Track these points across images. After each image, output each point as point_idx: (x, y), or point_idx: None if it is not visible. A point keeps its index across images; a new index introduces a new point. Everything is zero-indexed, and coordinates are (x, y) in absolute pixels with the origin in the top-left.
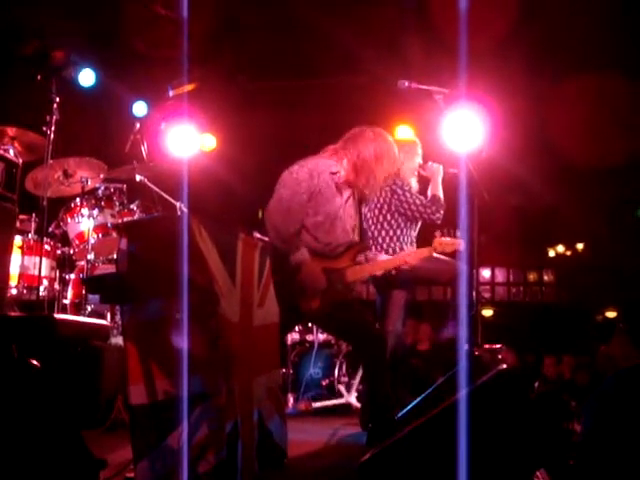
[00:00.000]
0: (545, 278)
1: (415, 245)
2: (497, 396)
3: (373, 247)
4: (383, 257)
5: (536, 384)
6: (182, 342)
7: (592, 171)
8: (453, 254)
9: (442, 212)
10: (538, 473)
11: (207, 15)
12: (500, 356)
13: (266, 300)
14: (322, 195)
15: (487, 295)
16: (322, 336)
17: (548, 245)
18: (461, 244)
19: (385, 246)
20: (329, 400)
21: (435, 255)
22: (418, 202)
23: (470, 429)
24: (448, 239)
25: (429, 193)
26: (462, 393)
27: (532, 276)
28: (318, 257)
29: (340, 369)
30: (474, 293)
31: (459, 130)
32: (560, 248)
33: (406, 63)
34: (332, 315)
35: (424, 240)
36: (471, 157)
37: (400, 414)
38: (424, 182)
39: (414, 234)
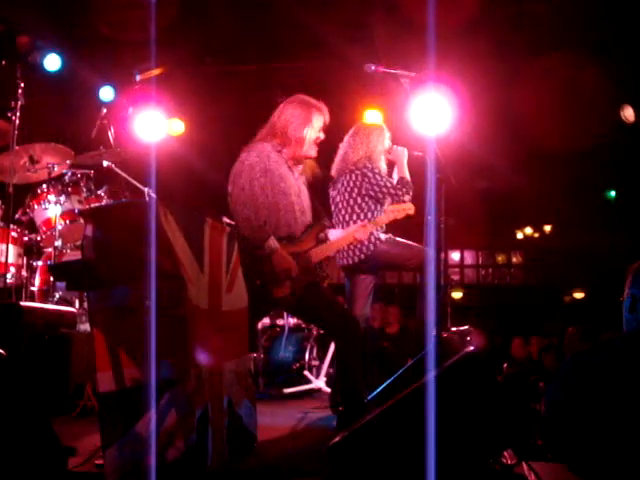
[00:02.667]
0: (513, 260)
1: (384, 229)
2: (464, 378)
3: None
4: (337, 232)
5: (504, 365)
6: (150, 328)
7: (559, 153)
8: (420, 230)
9: (411, 194)
10: (505, 453)
11: None
12: (468, 338)
13: (235, 285)
14: (275, 174)
15: (456, 278)
16: (292, 320)
17: (516, 227)
18: (412, 208)
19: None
20: (299, 384)
21: (403, 241)
22: (389, 184)
23: (438, 411)
24: (397, 206)
25: (395, 176)
26: (430, 375)
27: (500, 258)
28: (283, 243)
29: (311, 353)
30: (442, 276)
31: (426, 113)
32: (528, 230)
33: (373, 46)
34: (304, 301)
35: (396, 225)
36: (439, 140)
37: (369, 397)
38: (390, 166)
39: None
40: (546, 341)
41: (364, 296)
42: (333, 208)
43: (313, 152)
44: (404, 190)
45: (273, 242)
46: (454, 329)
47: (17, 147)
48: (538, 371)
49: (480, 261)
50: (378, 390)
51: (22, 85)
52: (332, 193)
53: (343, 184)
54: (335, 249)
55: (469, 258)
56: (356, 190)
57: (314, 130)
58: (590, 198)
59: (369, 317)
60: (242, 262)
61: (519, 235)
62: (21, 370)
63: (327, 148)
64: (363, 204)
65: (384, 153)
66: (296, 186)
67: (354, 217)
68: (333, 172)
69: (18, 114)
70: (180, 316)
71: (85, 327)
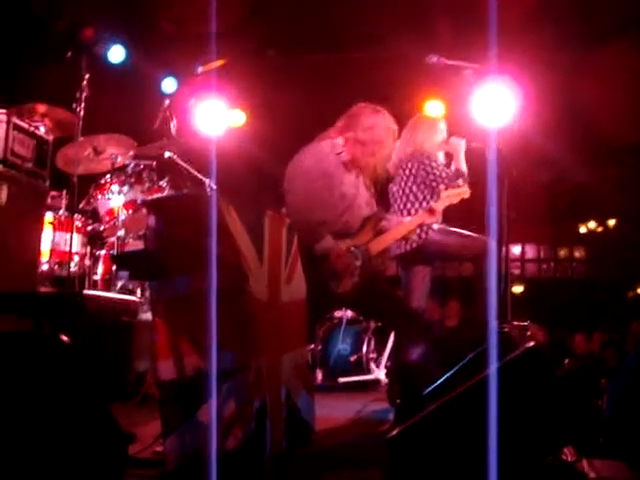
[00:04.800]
0: (576, 254)
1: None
2: (525, 373)
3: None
4: (402, 219)
5: (566, 361)
6: (211, 318)
7: (625, 146)
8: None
9: (467, 185)
10: (566, 450)
11: None
12: (529, 333)
13: (294, 277)
14: (333, 177)
15: (517, 272)
16: (350, 312)
17: (579, 221)
18: (467, 192)
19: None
20: (357, 376)
21: (458, 230)
22: (444, 175)
23: (498, 406)
24: (452, 190)
25: (452, 168)
26: (491, 370)
27: (563, 252)
28: (340, 238)
29: (369, 345)
30: (503, 269)
31: (489, 105)
32: (591, 224)
33: (435, 37)
34: (364, 294)
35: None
36: (501, 132)
37: (428, 390)
38: (448, 157)
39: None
40: (608, 337)
41: (420, 288)
42: (391, 200)
43: (384, 173)
44: (459, 181)
45: (327, 242)
46: (515, 323)
47: (81, 138)
48: (600, 367)
49: (542, 255)
50: (436, 384)
51: (87, 77)
52: (392, 188)
53: (400, 174)
54: (395, 237)
55: (530, 252)
56: (412, 179)
57: (383, 138)
58: None
59: (426, 310)
60: (303, 261)
61: (582, 229)
62: (84, 358)
63: None
64: (419, 193)
65: (441, 144)
66: (355, 186)
67: (408, 205)
68: (390, 168)
69: (82, 105)
70: (241, 307)
71: (147, 316)
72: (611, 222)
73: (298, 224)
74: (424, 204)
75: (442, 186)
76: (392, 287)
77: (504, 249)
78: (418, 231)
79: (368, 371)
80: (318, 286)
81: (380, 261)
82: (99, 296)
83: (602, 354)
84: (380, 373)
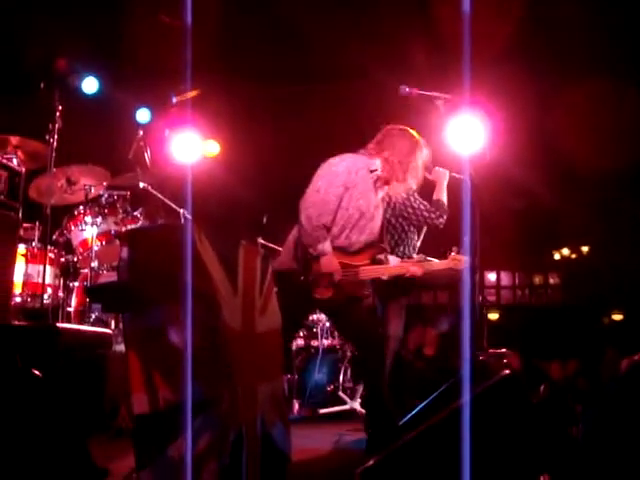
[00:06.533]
0: (551, 281)
1: (416, 251)
2: (500, 401)
3: None
4: (396, 260)
5: (542, 388)
6: (184, 350)
7: (595, 174)
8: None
9: (445, 217)
10: (542, 477)
11: (210, 22)
12: (505, 360)
13: (268, 307)
14: (357, 190)
15: (492, 299)
16: (327, 341)
17: (553, 248)
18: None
19: (389, 250)
20: (334, 406)
21: (433, 260)
22: (422, 207)
23: (473, 435)
24: (462, 257)
25: (434, 197)
26: (465, 399)
27: (538, 279)
28: (339, 252)
29: (345, 374)
30: (478, 297)
31: (461, 134)
32: (565, 251)
33: (408, 67)
34: (342, 311)
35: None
36: (474, 161)
37: (403, 420)
38: (429, 186)
39: (416, 240)
40: (582, 363)
41: (398, 317)
42: (384, 232)
43: (413, 184)
44: (437, 213)
45: (326, 246)
46: (491, 351)
47: (55, 169)
48: (576, 394)
49: (517, 282)
50: (412, 413)
51: (60, 108)
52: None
53: (393, 209)
54: (387, 274)
55: (505, 279)
56: (390, 211)
57: (417, 165)
58: (627, 219)
59: (403, 337)
60: (295, 257)
61: (556, 256)
62: (56, 392)
63: None
64: (397, 225)
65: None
66: (377, 207)
67: (388, 237)
68: None
69: (56, 136)
70: (214, 338)
71: (121, 347)
72: (584, 248)
73: (304, 218)
74: (403, 236)
75: (421, 219)
76: (372, 315)
77: (477, 276)
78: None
79: (344, 401)
80: (300, 285)
81: (363, 285)
82: (72, 328)
83: (573, 381)
84: (356, 403)
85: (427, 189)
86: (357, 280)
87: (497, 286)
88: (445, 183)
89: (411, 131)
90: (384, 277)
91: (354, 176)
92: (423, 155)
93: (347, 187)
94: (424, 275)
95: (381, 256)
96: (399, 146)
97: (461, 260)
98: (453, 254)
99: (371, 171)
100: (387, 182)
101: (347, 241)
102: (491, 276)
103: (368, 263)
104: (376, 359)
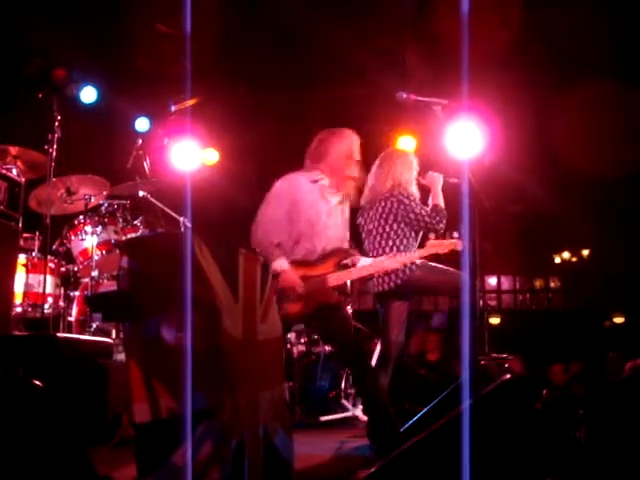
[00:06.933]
0: (551, 285)
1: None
2: (501, 406)
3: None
4: (367, 261)
5: (544, 392)
6: (185, 359)
7: (594, 178)
8: (454, 256)
9: (444, 221)
10: None
11: (208, 30)
12: (507, 365)
13: (268, 315)
14: (304, 204)
15: (493, 303)
16: (328, 348)
17: (554, 252)
18: (458, 244)
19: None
20: (336, 413)
21: (438, 266)
22: (424, 212)
23: (474, 440)
24: (440, 240)
25: (430, 202)
26: (466, 404)
27: (538, 283)
28: (298, 265)
29: (347, 381)
30: (478, 302)
31: (459, 140)
32: (565, 255)
33: (407, 73)
34: (317, 322)
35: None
36: (472, 166)
37: (405, 426)
38: (424, 191)
39: (416, 245)
40: (584, 367)
41: (399, 322)
42: (364, 236)
43: (354, 172)
44: (437, 218)
45: (281, 263)
46: (493, 355)
47: (54, 179)
48: (577, 398)
49: (517, 286)
50: (414, 419)
51: (58, 118)
52: (360, 220)
53: (377, 211)
54: (357, 276)
55: (506, 283)
56: (392, 217)
57: (352, 152)
58: (628, 222)
59: (404, 344)
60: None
61: (557, 260)
62: (58, 402)
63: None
64: (399, 230)
65: (417, 179)
66: (329, 214)
67: (390, 243)
68: (362, 202)
69: (55, 146)
70: (215, 346)
71: (122, 357)
72: (585, 252)
73: (256, 243)
74: (405, 241)
75: (422, 224)
76: (349, 320)
77: (477, 281)
78: (402, 268)
79: (346, 408)
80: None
81: (341, 293)
82: (73, 338)
83: (568, 386)
84: (357, 410)
85: (421, 193)
86: (325, 288)
87: (498, 290)
88: (439, 187)
89: (340, 129)
90: (351, 279)
91: (296, 192)
92: (355, 144)
93: (291, 204)
94: (426, 283)
95: (347, 260)
96: (331, 149)
97: (441, 244)
98: (431, 240)
99: (314, 181)
100: (338, 187)
101: (304, 252)
102: (492, 280)
103: (333, 270)
104: (357, 365)
